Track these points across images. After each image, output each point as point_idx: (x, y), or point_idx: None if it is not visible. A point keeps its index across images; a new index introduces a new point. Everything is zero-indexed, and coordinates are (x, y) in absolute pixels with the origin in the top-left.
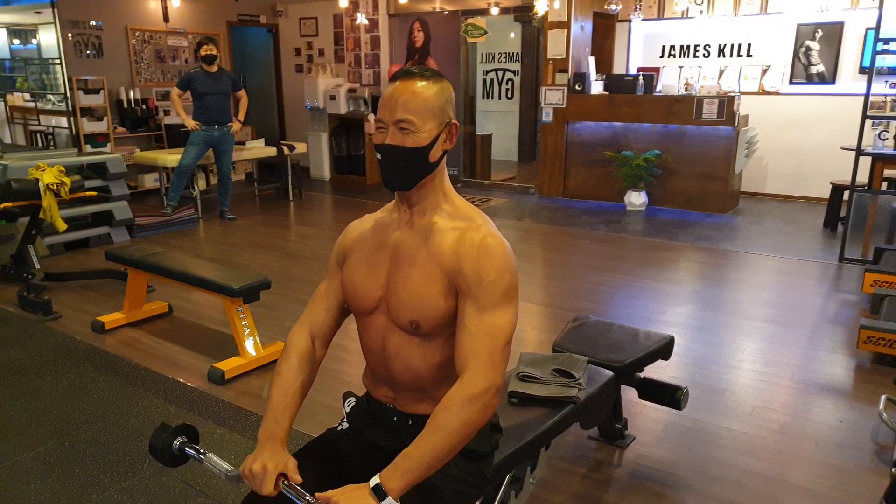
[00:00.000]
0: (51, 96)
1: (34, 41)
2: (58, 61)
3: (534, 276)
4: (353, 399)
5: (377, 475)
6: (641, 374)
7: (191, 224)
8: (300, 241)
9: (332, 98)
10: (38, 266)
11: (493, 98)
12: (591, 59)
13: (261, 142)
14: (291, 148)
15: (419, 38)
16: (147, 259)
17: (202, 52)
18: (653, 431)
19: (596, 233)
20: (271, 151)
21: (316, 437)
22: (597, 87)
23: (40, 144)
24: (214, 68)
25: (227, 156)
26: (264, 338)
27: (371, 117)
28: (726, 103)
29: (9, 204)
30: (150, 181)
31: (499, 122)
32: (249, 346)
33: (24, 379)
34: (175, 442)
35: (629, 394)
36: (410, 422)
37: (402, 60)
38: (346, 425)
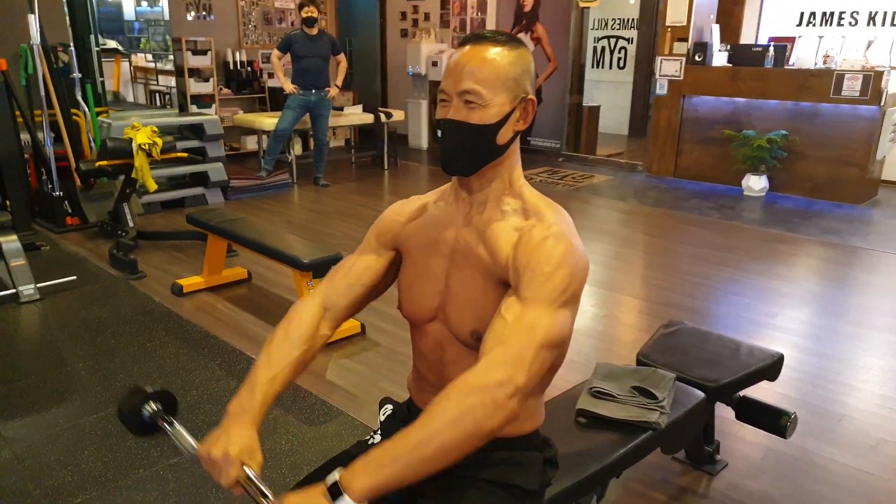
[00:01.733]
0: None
1: (159, 4)
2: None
3: (630, 264)
4: (390, 407)
5: (336, 470)
6: (741, 393)
7: (284, 189)
8: (376, 207)
9: (434, 64)
10: (131, 224)
11: (602, 67)
12: (716, 28)
13: (358, 108)
14: (388, 115)
15: (528, 2)
16: (224, 225)
17: (303, 14)
18: (750, 458)
19: (706, 219)
20: (368, 118)
21: (342, 452)
22: (719, 59)
23: (158, 104)
24: (315, 31)
25: (323, 121)
26: None
27: None
28: (872, 79)
29: (104, 162)
30: (251, 143)
31: (609, 93)
32: None
33: (101, 338)
34: (146, 409)
35: (723, 410)
36: None
37: (508, 25)
38: (378, 438)
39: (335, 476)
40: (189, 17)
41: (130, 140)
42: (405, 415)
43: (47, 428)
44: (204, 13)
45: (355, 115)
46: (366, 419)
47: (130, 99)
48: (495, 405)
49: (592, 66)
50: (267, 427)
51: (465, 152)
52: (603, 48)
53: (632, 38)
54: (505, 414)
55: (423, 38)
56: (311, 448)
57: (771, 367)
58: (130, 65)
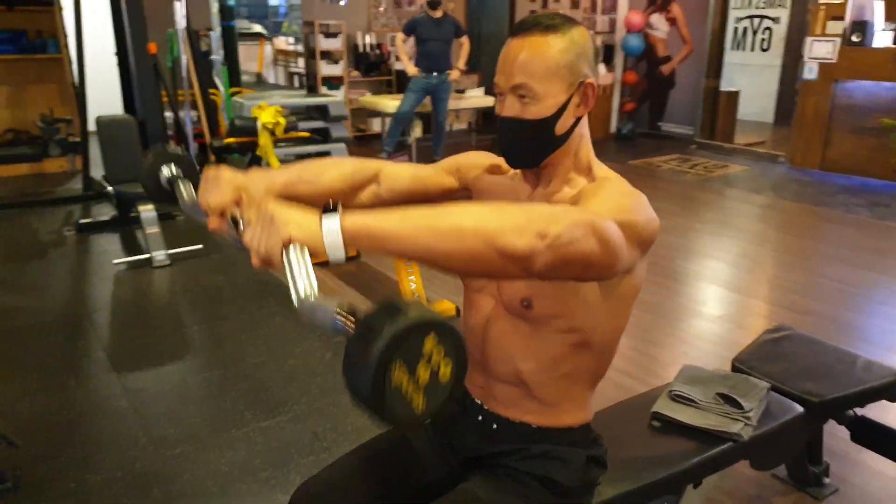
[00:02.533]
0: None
1: None
2: None
3: (758, 264)
4: None
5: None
6: (858, 412)
7: None
8: None
9: None
10: None
11: (744, 49)
12: (879, 4)
13: (480, 91)
14: None
15: None
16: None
17: None
18: (865, 486)
19: (853, 216)
20: (489, 101)
21: (387, 431)
22: (882, 39)
23: (297, 85)
24: (439, 13)
25: (443, 104)
26: (433, 294)
27: (600, 68)
28: None
29: (232, 140)
30: (377, 125)
31: (753, 77)
32: None
33: (216, 305)
34: (164, 171)
35: (834, 428)
36: (496, 426)
37: (641, 5)
38: (427, 420)
39: (339, 208)
40: (322, 1)
41: (256, 119)
42: (457, 396)
43: (160, 383)
44: None
45: (476, 98)
46: None
47: (272, 80)
48: (521, 228)
49: (733, 48)
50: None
51: (525, 148)
52: (745, 28)
53: (777, 18)
54: (527, 243)
55: None
56: None
57: (891, 387)
58: (273, 47)
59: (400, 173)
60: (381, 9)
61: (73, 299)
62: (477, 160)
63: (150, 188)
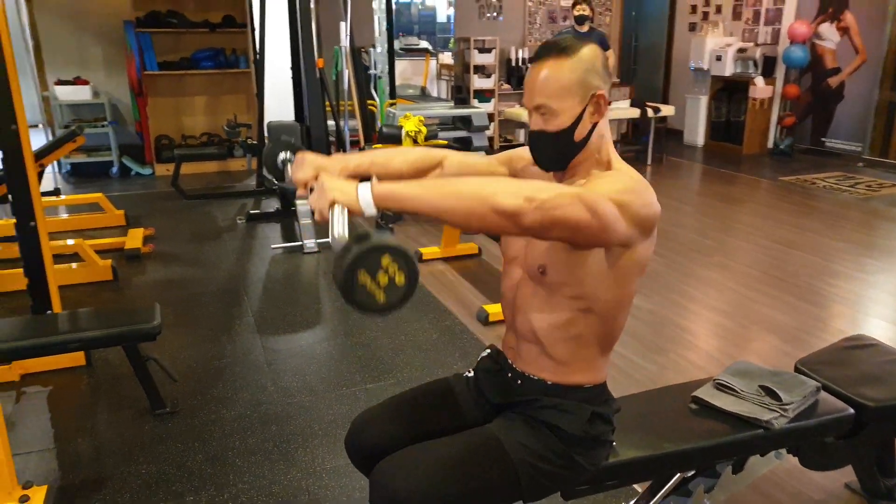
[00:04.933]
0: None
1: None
2: None
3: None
4: (489, 350)
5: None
6: None
7: None
8: None
9: (719, 59)
10: None
11: None
12: None
13: (626, 103)
14: (656, 110)
15: None
16: None
17: (575, 12)
18: None
19: None
20: (634, 113)
21: (445, 377)
22: None
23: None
24: (585, 28)
25: None
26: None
27: (758, 80)
28: None
29: (379, 146)
30: (523, 136)
31: None
32: None
33: None
34: (281, 155)
35: None
36: (520, 381)
37: (810, 15)
38: (471, 373)
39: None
40: (480, 18)
41: (401, 127)
42: (496, 355)
43: (292, 345)
44: (494, 13)
45: (621, 109)
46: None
47: (434, 94)
48: (515, 192)
49: None
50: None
51: (552, 155)
52: None
53: None
54: (516, 203)
55: (709, 32)
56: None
57: None
58: (437, 62)
59: (456, 164)
60: (537, 24)
61: (235, 274)
62: (523, 154)
63: (268, 166)
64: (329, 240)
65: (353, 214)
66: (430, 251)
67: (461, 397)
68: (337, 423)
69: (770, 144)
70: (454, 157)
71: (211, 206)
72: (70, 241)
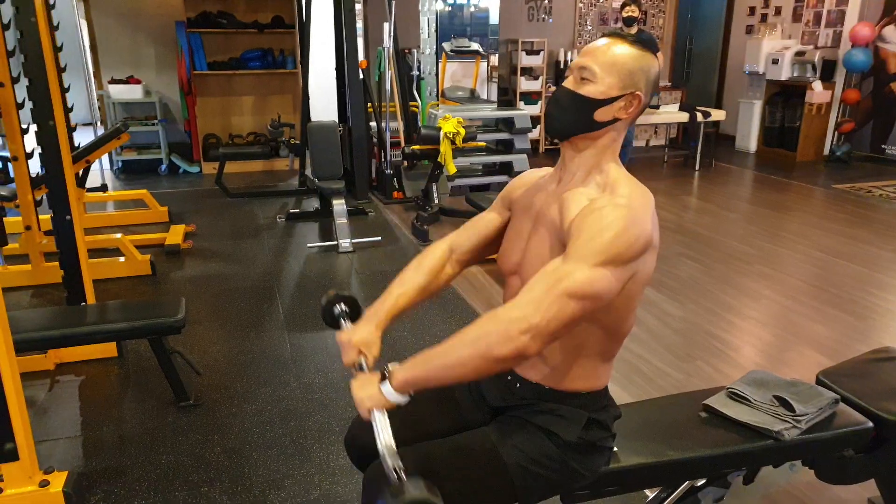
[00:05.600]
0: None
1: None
2: None
3: None
4: None
5: (391, 363)
6: None
7: None
8: (680, 213)
9: (775, 62)
10: (436, 201)
11: None
12: None
13: (674, 107)
14: (706, 114)
15: None
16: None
17: (623, 14)
18: None
19: None
20: (682, 117)
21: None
22: None
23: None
24: (633, 29)
25: None
26: None
27: (816, 85)
28: None
29: (417, 147)
30: None
31: None
32: None
33: (381, 286)
34: (336, 308)
35: None
36: (518, 385)
37: (874, 17)
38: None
39: (389, 367)
40: (530, 21)
41: (439, 129)
42: None
43: (318, 342)
44: (544, 16)
45: (668, 113)
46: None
47: (484, 96)
48: (507, 336)
49: None
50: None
51: (564, 116)
52: None
53: None
54: (514, 346)
55: (766, 35)
56: None
57: None
58: (488, 65)
59: (464, 240)
60: (588, 26)
61: (271, 271)
62: (517, 185)
63: (324, 315)
64: (378, 448)
65: (389, 408)
66: None
67: (461, 399)
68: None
69: (826, 151)
70: (458, 238)
71: (253, 205)
72: (118, 236)
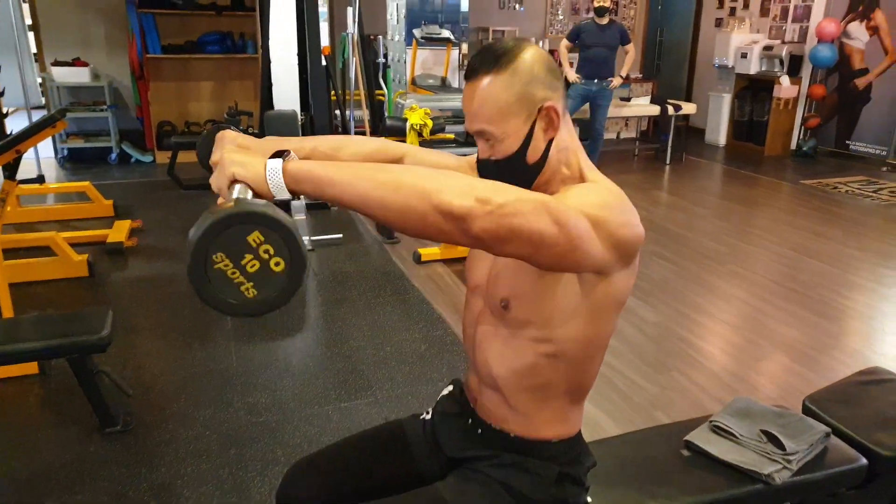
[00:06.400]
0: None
1: None
2: None
3: None
4: (451, 387)
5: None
6: None
7: None
8: (652, 209)
9: (744, 56)
10: None
11: None
12: None
13: (646, 100)
14: (677, 108)
15: None
16: None
17: (595, 3)
18: None
19: None
20: (654, 110)
21: (399, 418)
22: None
23: None
24: (605, 20)
25: (601, 112)
26: None
27: (784, 79)
28: None
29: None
30: None
31: None
32: None
33: (339, 289)
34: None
35: None
36: (480, 430)
37: (839, 13)
38: (428, 415)
39: (293, 153)
40: (501, 8)
41: (405, 120)
42: (459, 395)
43: (268, 355)
44: (515, 4)
45: (639, 106)
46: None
47: (455, 85)
48: (463, 192)
49: None
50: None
51: (507, 182)
52: None
53: None
54: (465, 203)
55: (735, 28)
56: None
57: None
58: (460, 52)
59: (423, 160)
60: (560, 16)
61: None
62: None
63: (201, 157)
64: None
65: (260, 196)
66: (430, 252)
67: (414, 445)
68: (302, 448)
69: (793, 146)
70: (417, 154)
71: (208, 198)
72: (50, 233)
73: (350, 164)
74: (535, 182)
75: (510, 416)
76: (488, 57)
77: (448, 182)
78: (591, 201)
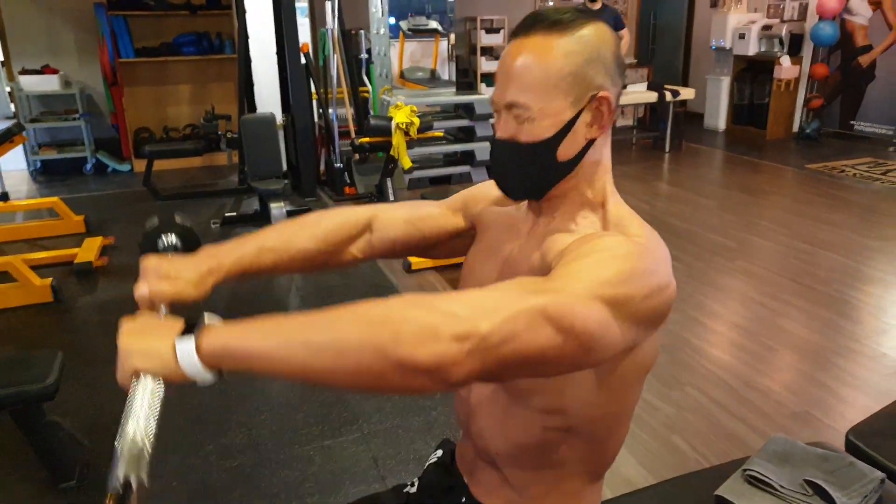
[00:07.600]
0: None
1: None
2: None
3: None
4: (440, 452)
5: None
6: None
7: None
8: (653, 202)
9: (742, 37)
10: (391, 197)
11: None
12: None
13: (642, 86)
14: (675, 93)
15: None
16: None
17: None
18: None
19: None
20: (651, 97)
21: (379, 492)
22: None
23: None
24: (597, 5)
25: None
26: None
27: (784, 60)
28: None
29: (365, 139)
30: None
31: None
32: None
33: (321, 302)
34: (162, 241)
35: None
36: None
37: None
38: (413, 487)
39: (206, 317)
40: None
41: (391, 119)
42: (448, 465)
43: (243, 387)
44: None
45: (636, 93)
46: None
47: (445, 77)
48: (432, 333)
49: None
50: None
51: (520, 177)
52: None
53: None
54: (436, 351)
55: (732, 8)
56: None
57: None
58: (449, 43)
59: (394, 219)
60: (550, 3)
61: None
62: (485, 192)
63: (144, 246)
64: (116, 440)
65: (172, 384)
66: (420, 259)
67: None
68: (281, 496)
69: (795, 128)
70: (386, 213)
71: (186, 208)
72: (8, 257)
73: (277, 325)
74: (554, 188)
75: (513, 499)
76: (551, 15)
77: (406, 322)
78: (608, 276)
